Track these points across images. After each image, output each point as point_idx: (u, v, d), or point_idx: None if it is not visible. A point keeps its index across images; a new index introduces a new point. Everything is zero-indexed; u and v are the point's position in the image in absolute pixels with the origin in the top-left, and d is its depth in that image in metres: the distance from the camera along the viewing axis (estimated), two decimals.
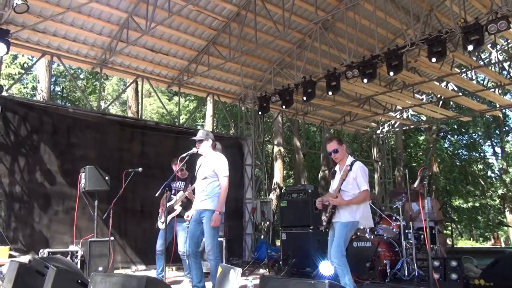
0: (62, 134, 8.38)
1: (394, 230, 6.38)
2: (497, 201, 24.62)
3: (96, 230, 7.65)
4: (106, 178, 7.72)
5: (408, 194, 5.94)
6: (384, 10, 9.38)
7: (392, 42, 10.13)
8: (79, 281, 4.20)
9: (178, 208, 6.03)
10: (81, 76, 23.42)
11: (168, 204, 6.10)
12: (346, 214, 4.30)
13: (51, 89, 20.48)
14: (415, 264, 5.83)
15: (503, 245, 21.98)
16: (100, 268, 7.12)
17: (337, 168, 4.53)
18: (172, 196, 6.18)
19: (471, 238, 29.33)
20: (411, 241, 6.05)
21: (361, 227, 6.03)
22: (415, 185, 3.75)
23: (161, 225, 6.27)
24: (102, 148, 8.80)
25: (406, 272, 5.84)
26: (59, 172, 8.16)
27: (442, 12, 10.33)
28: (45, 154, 8.07)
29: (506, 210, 23.06)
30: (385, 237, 6.37)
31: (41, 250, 7.21)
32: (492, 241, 22.88)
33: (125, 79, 26.69)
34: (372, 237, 6.30)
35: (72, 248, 7.48)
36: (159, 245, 6.13)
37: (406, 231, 6.13)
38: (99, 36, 8.91)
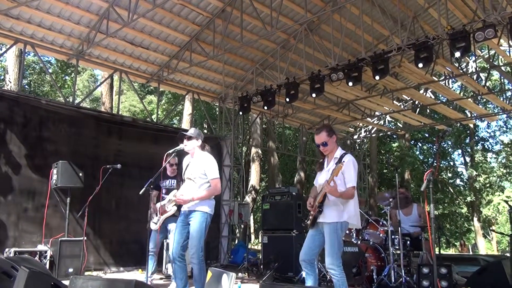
0: (34, 126, 7.88)
1: (380, 235, 6.26)
2: (465, 209, 25.21)
3: (68, 229, 7.25)
4: (80, 174, 7.36)
5: (398, 199, 5.88)
6: (370, 14, 9.36)
7: (376, 47, 10.11)
8: (53, 283, 3.87)
9: (172, 209, 5.66)
10: (50, 71, 22.51)
11: (160, 204, 5.79)
12: (333, 214, 3.91)
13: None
14: (402, 271, 5.72)
15: (470, 252, 22.47)
16: (71, 270, 6.76)
17: (325, 159, 4.19)
18: (164, 195, 5.87)
19: (435, 245, 29.90)
20: (397, 247, 5.95)
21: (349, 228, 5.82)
22: (422, 188, 3.58)
23: (153, 226, 5.93)
24: (76, 144, 8.34)
25: (393, 278, 5.73)
26: (29, 167, 7.68)
27: (425, 20, 10.41)
28: (14, 147, 7.57)
29: (474, 217, 23.63)
30: (371, 243, 6.25)
31: (6, 249, 6.78)
32: (459, 248, 23.37)
33: (97, 75, 26.20)
34: (359, 242, 6.16)
35: (41, 247, 7.07)
36: (152, 246, 5.87)
37: (393, 237, 6.02)
38: (77, 25, 8.47)
